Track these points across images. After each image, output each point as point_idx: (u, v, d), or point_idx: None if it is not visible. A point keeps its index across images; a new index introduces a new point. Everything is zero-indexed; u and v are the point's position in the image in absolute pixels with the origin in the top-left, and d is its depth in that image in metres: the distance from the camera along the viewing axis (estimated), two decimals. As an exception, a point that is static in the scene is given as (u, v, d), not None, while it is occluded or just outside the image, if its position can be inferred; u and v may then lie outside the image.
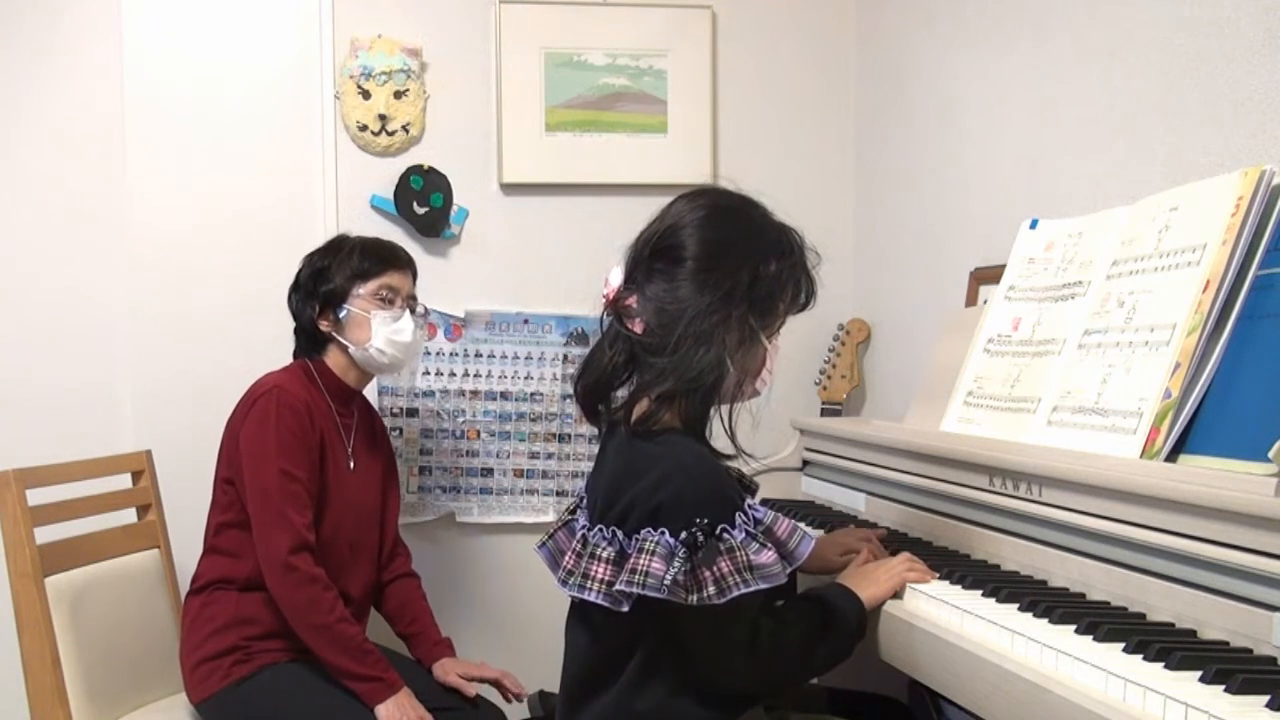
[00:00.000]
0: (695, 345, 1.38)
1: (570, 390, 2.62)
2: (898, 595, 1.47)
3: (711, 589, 1.31)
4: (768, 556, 1.35)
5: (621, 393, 1.48)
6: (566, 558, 1.44)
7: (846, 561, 1.65)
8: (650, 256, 1.44)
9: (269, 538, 1.93)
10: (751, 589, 1.32)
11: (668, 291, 1.41)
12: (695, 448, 1.41)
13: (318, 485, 2.03)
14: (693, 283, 1.40)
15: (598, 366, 1.47)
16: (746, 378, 1.45)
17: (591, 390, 1.48)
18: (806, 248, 1.48)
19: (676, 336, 1.39)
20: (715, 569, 1.32)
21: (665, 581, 1.30)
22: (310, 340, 2.14)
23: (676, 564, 1.31)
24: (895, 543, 1.72)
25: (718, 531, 1.34)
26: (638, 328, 1.43)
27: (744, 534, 1.35)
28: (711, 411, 1.44)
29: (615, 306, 1.46)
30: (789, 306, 1.48)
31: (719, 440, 1.47)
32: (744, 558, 1.33)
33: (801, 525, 1.44)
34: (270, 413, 1.99)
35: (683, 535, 1.32)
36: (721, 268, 1.40)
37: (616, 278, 1.47)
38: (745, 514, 1.36)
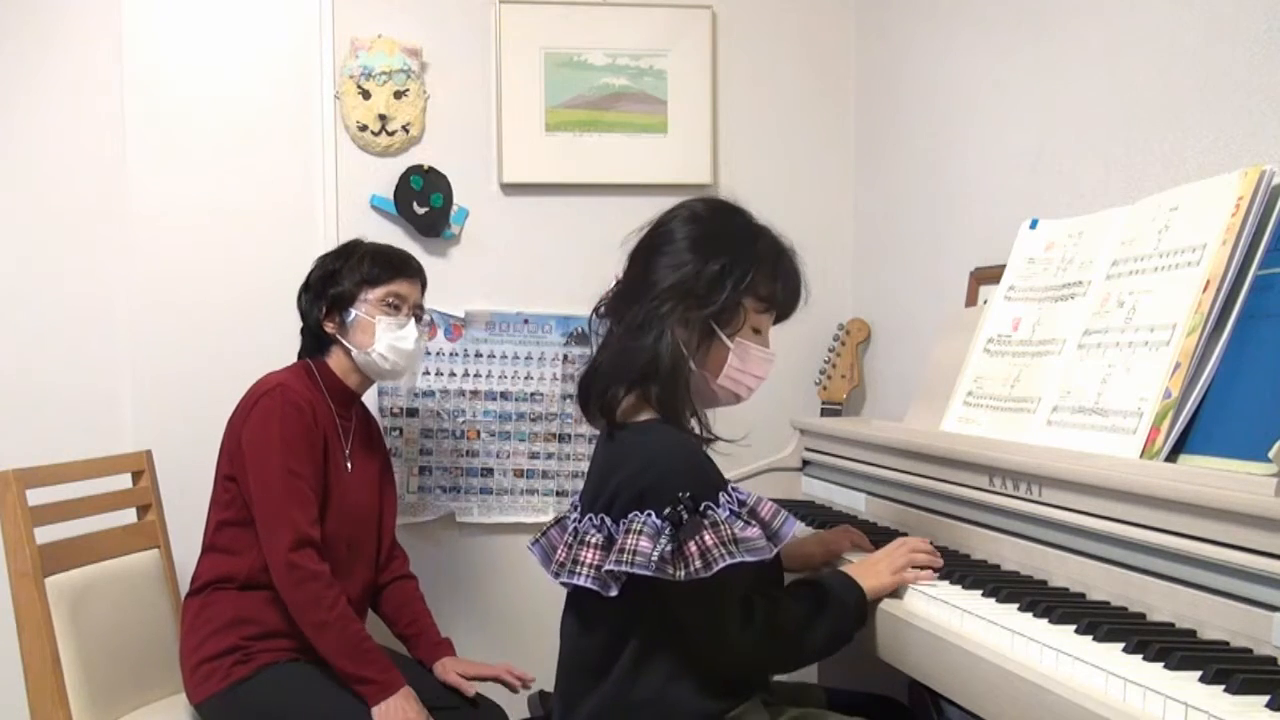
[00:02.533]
0: (638, 331, 1.44)
1: (570, 390, 2.66)
2: (897, 594, 1.47)
3: (698, 562, 1.33)
4: (752, 531, 1.38)
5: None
6: (559, 551, 1.47)
7: (829, 557, 1.70)
8: (630, 259, 1.52)
9: (273, 534, 1.94)
10: (738, 560, 1.34)
11: (632, 285, 1.49)
12: (677, 433, 1.45)
13: (321, 483, 2.03)
14: (646, 280, 1.47)
15: (592, 366, 1.53)
16: (709, 375, 1.49)
17: (581, 386, 1.54)
18: (781, 250, 1.52)
19: (624, 324, 1.46)
20: (700, 541, 1.34)
21: (653, 558, 1.33)
22: (315, 341, 2.15)
23: (663, 541, 1.35)
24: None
25: (702, 507, 1.37)
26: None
27: (728, 511, 1.38)
28: (685, 405, 1.48)
29: (600, 306, 1.54)
30: (760, 306, 1.50)
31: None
32: (728, 531, 1.36)
33: (784, 510, 1.46)
34: (274, 410, 1.99)
35: (667, 512, 1.36)
36: (671, 263, 1.46)
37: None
38: (729, 494, 1.40)
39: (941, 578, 1.49)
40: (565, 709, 1.51)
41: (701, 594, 1.36)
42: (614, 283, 1.53)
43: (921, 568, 1.49)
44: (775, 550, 1.40)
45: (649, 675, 1.42)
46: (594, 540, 1.42)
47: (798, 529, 1.68)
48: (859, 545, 1.71)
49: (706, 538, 1.34)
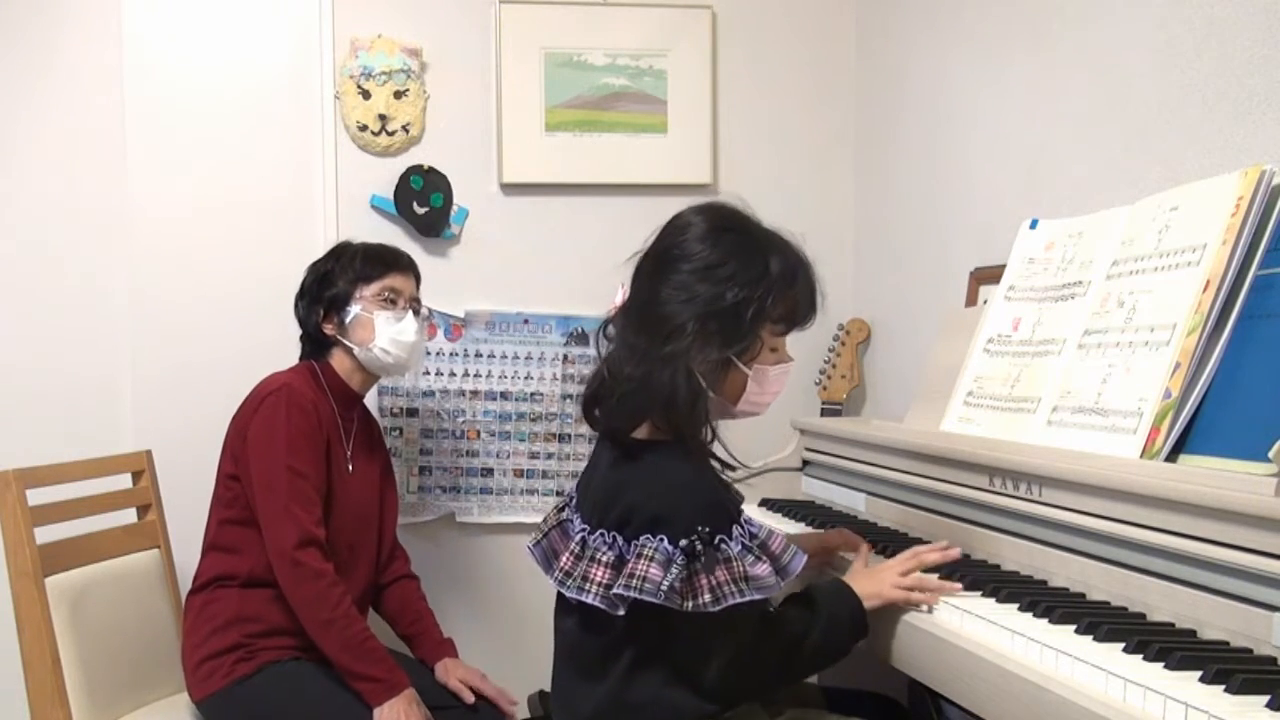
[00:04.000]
0: (653, 366, 1.39)
1: (570, 390, 2.66)
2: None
3: (707, 596, 1.33)
4: (762, 569, 1.37)
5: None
6: (563, 559, 1.45)
7: (824, 555, 1.68)
8: (634, 276, 1.47)
9: (276, 533, 1.94)
10: (746, 599, 1.34)
11: (639, 311, 1.45)
12: (693, 460, 1.43)
13: (324, 484, 2.03)
14: (655, 309, 1.42)
15: (598, 377, 1.50)
16: (728, 402, 1.47)
17: (589, 401, 1.51)
18: (797, 266, 1.45)
19: (636, 356, 1.41)
20: (712, 577, 1.34)
21: (662, 587, 1.32)
22: (315, 345, 2.16)
23: (674, 571, 1.33)
24: (895, 543, 1.71)
25: (716, 541, 1.36)
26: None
27: (740, 546, 1.37)
28: (702, 433, 1.46)
29: (610, 322, 1.50)
30: (777, 329, 1.47)
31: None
32: (740, 568, 1.35)
33: (793, 544, 1.45)
34: (280, 410, 1.99)
35: (682, 543, 1.34)
36: (682, 296, 1.41)
37: (620, 296, 1.51)
38: (741, 527, 1.39)
39: (941, 579, 1.48)
40: (564, 710, 1.51)
41: (703, 626, 1.36)
42: (620, 294, 1.50)
43: (935, 573, 1.47)
44: (782, 585, 1.39)
45: (646, 678, 1.41)
46: (605, 559, 1.39)
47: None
48: (849, 544, 1.69)
49: (719, 574, 1.34)
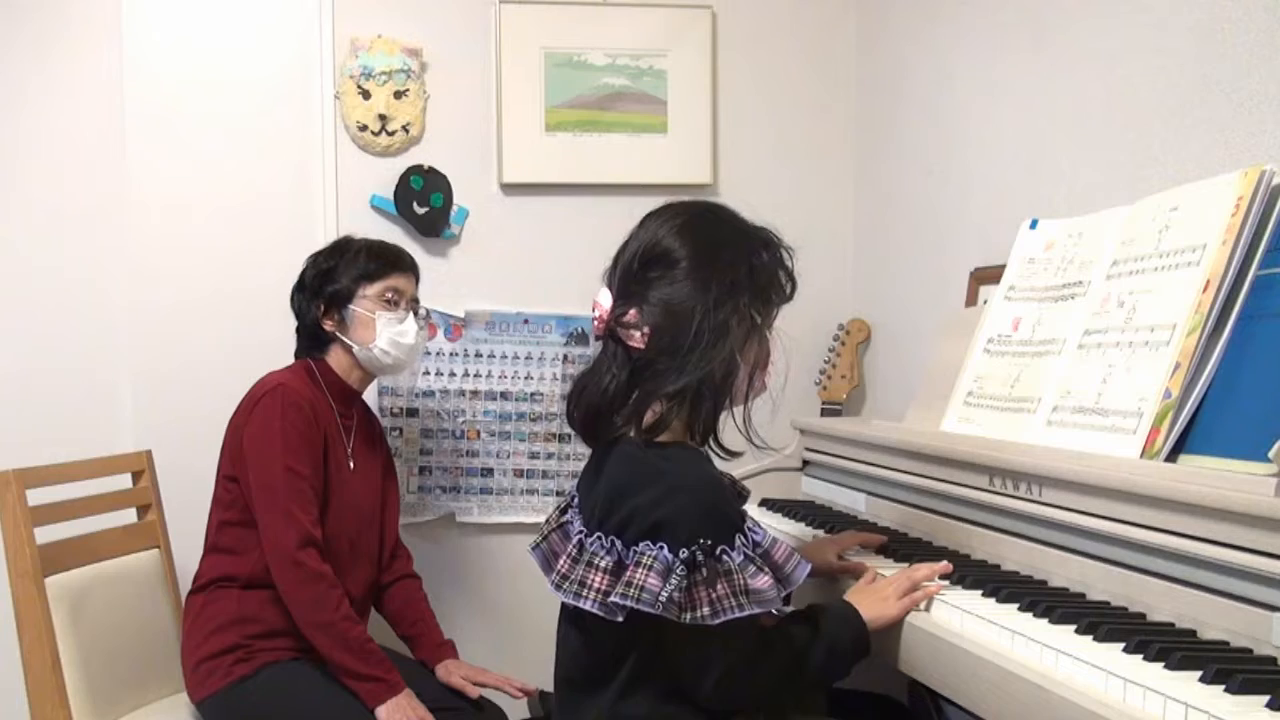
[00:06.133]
0: (713, 339, 1.38)
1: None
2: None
3: (706, 609, 1.31)
4: (764, 581, 1.35)
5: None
6: (561, 561, 1.42)
7: (845, 566, 1.64)
8: (641, 268, 1.43)
9: (275, 534, 1.94)
10: (745, 613, 1.32)
11: (671, 293, 1.40)
12: (702, 464, 1.41)
13: (321, 483, 2.03)
14: (693, 280, 1.40)
15: (597, 389, 1.44)
16: (756, 370, 1.46)
17: (592, 413, 1.46)
18: (781, 242, 1.49)
19: (694, 332, 1.38)
20: (712, 590, 1.32)
21: (660, 598, 1.30)
22: (313, 340, 2.16)
23: (674, 581, 1.31)
24: (895, 543, 1.72)
25: (717, 553, 1.33)
26: (638, 341, 1.41)
27: (743, 556, 1.35)
28: (722, 414, 1.44)
29: (610, 325, 1.44)
30: (780, 297, 1.48)
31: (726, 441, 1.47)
32: (741, 581, 1.33)
33: (797, 553, 1.43)
34: (275, 410, 1.99)
35: (682, 554, 1.32)
36: (719, 262, 1.41)
37: (606, 299, 1.45)
38: (745, 536, 1.37)
39: (941, 578, 1.48)
40: (563, 716, 1.50)
41: (700, 639, 1.34)
42: (605, 297, 1.45)
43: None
44: (783, 595, 1.38)
45: (644, 691, 1.39)
46: (603, 564, 1.37)
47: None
48: (866, 544, 1.69)
49: (719, 587, 1.32)
